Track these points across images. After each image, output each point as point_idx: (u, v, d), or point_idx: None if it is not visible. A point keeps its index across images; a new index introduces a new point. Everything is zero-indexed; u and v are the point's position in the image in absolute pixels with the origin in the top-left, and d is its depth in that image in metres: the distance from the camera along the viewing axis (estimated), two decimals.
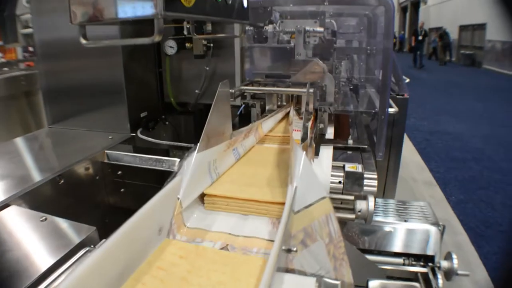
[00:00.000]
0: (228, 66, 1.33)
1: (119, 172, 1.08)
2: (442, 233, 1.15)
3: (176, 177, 0.66)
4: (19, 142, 1.17)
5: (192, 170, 0.68)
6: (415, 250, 1.09)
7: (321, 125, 1.19)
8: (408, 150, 3.57)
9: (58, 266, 0.58)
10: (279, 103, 1.32)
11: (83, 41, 0.61)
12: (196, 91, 1.37)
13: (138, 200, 1.08)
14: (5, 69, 2.08)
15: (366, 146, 1.06)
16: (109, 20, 0.57)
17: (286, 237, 0.53)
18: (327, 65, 1.39)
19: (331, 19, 1.51)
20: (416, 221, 1.14)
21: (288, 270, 0.53)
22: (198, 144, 0.72)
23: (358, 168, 0.93)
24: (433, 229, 1.10)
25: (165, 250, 0.56)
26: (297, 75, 1.26)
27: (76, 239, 0.66)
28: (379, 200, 1.31)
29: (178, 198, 0.64)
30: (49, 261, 0.59)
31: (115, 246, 0.49)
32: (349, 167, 0.93)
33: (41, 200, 0.86)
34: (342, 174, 0.92)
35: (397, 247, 1.11)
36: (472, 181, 2.83)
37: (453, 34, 12.37)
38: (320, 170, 0.92)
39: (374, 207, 0.77)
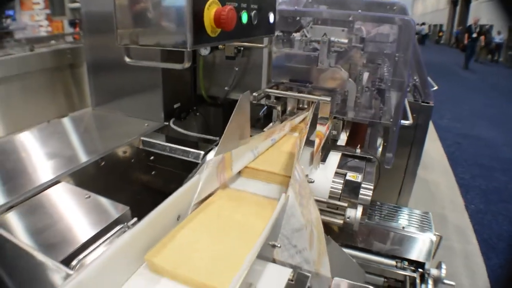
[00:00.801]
0: (256, 67, 1.44)
1: (152, 158, 1.24)
2: (438, 243, 1.24)
3: (194, 177, 0.80)
4: (67, 122, 1.36)
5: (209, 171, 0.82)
6: (408, 255, 1.19)
7: (335, 132, 1.29)
8: (436, 152, 3.54)
9: (97, 238, 0.74)
10: (300, 106, 1.42)
11: (127, 59, 0.75)
12: (226, 88, 1.50)
13: (166, 182, 1.25)
14: (52, 41, 2.23)
15: (372, 157, 1.15)
16: (148, 46, 0.71)
17: (272, 235, 0.66)
18: (353, 70, 1.48)
19: (361, 25, 1.57)
20: (414, 228, 1.23)
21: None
22: (217, 148, 0.86)
23: (358, 178, 1.03)
24: (428, 238, 1.19)
25: (221, 194, 0.82)
26: (319, 82, 1.35)
27: (113, 216, 0.82)
28: (385, 205, 1.41)
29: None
30: (90, 233, 0.76)
31: (144, 228, 0.65)
32: (350, 175, 1.04)
33: (84, 179, 1.03)
34: (342, 181, 1.03)
35: (392, 250, 1.22)
36: (496, 192, 2.80)
37: (503, 34, 11.58)
38: (323, 176, 1.03)
39: (362, 216, 0.87)
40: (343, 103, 1.40)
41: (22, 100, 1.85)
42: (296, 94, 1.31)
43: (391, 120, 1.34)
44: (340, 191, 1.00)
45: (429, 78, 1.91)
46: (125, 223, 0.80)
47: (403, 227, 1.23)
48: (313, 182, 0.94)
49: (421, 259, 1.16)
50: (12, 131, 1.36)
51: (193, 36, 0.67)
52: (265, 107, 1.34)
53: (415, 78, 1.95)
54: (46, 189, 0.92)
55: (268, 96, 1.35)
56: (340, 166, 1.11)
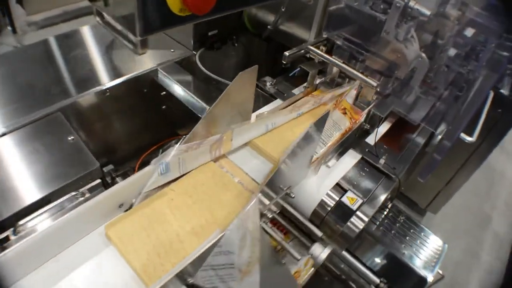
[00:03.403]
0: (306, 12, 1.16)
1: (163, 93, 1.17)
2: (436, 280, 1.09)
3: (149, 166, 0.72)
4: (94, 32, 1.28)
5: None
6: (394, 283, 1.07)
7: (367, 126, 1.05)
8: None
9: (46, 200, 0.75)
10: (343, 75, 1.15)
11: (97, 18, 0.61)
12: (269, 27, 1.26)
13: (172, 122, 1.20)
14: None
15: (393, 176, 0.94)
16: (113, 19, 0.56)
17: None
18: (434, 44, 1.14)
19: None
20: (415, 258, 1.08)
21: None
22: (187, 136, 0.75)
23: (356, 202, 0.87)
24: (423, 275, 1.04)
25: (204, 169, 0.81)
26: (378, 52, 1.06)
27: (78, 172, 0.81)
28: (403, 215, 1.23)
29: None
30: (38, 195, 0.75)
31: (84, 211, 0.65)
32: (348, 196, 0.87)
33: (89, 108, 1.02)
34: (338, 197, 0.88)
35: (382, 269, 1.10)
36: None
37: None
38: (316, 186, 0.89)
39: (326, 259, 0.75)
40: (401, 86, 1.12)
41: None
42: (339, 62, 1.05)
43: (449, 129, 1.04)
44: (327, 211, 0.86)
45: None
46: (79, 191, 0.79)
47: (404, 252, 1.08)
48: (293, 197, 0.81)
49: None
50: None
51: (143, 21, 0.51)
52: (298, 68, 1.12)
53: None
54: (42, 118, 0.92)
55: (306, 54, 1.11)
56: (349, 174, 0.94)
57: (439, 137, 1.13)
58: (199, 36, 1.25)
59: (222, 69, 1.38)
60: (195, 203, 0.72)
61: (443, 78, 1.22)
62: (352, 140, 1.02)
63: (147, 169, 0.74)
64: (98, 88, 1.04)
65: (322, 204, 0.86)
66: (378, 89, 1.06)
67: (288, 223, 0.87)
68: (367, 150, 1.00)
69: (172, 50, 1.24)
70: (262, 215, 0.77)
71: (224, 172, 0.81)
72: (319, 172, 0.91)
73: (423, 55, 1.08)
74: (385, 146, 1.04)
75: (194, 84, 1.14)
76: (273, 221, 0.82)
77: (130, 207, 0.75)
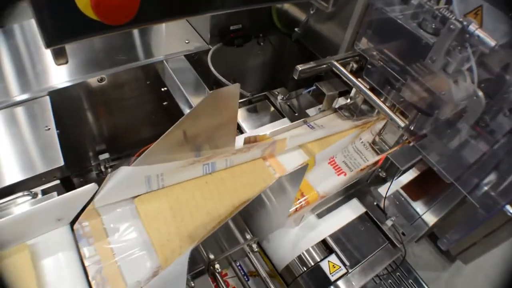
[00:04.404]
0: (339, 19, 0.96)
1: (164, 89, 1.06)
2: None
3: (90, 185, 0.62)
4: None
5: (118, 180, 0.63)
6: None
7: (383, 174, 0.84)
8: None
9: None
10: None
11: None
12: (296, 29, 1.08)
13: (175, 118, 1.09)
14: None
15: (399, 246, 0.74)
16: None
17: None
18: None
19: None
20: None
21: None
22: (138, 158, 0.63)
23: (338, 272, 0.69)
24: None
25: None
26: (419, 82, 0.84)
27: (39, 169, 0.73)
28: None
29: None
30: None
31: (19, 220, 0.58)
32: (330, 262, 0.70)
33: (79, 95, 0.95)
34: (319, 259, 0.71)
35: None
36: None
37: None
38: (294, 242, 0.72)
39: None
40: (444, 127, 0.89)
41: None
42: (364, 88, 0.85)
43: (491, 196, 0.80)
44: (301, 272, 0.70)
45: None
46: (31, 191, 0.71)
47: None
48: (256, 251, 0.66)
49: None
50: None
51: (47, 30, 0.38)
52: (314, 87, 0.94)
53: None
54: (26, 101, 0.85)
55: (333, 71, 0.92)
56: (343, 231, 0.76)
57: (485, 188, 0.89)
58: (218, 29, 1.11)
59: (241, 70, 1.24)
60: (228, 191, 0.70)
61: (504, 123, 0.96)
62: (359, 188, 0.83)
63: (89, 186, 0.64)
64: (96, 74, 0.95)
65: (298, 260, 0.70)
66: (412, 128, 0.86)
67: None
68: (375, 203, 0.80)
69: (186, 41, 1.11)
70: (210, 264, 0.64)
71: (266, 166, 0.78)
72: (306, 221, 0.75)
73: (480, 93, 0.83)
74: (404, 198, 0.84)
75: (198, 86, 1.01)
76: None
77: (74, 221, 0.67)
